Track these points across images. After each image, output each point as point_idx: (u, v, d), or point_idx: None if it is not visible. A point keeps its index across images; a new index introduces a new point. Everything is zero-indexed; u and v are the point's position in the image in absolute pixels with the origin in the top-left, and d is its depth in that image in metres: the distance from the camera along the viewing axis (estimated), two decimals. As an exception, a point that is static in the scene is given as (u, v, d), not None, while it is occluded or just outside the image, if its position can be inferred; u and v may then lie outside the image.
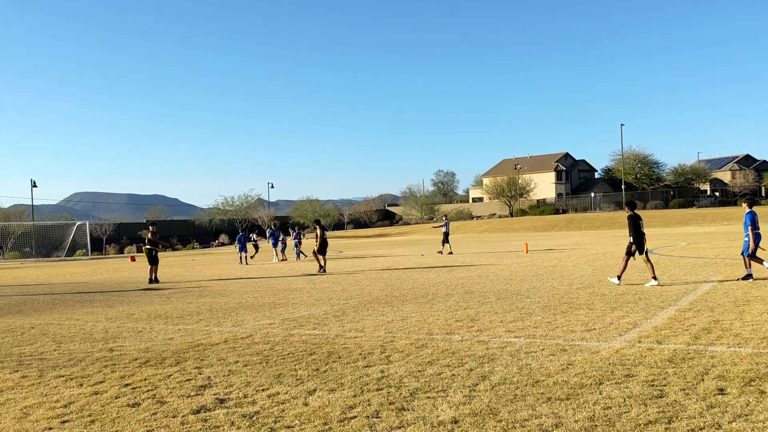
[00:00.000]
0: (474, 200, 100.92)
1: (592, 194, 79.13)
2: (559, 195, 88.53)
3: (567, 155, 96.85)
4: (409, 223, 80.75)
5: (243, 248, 25.86)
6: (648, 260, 12.58)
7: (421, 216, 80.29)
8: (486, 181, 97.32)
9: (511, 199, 77.36)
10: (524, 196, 78.90)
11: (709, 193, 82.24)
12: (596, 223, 55.70)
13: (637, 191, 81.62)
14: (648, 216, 55.10)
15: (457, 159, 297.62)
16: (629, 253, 12.54)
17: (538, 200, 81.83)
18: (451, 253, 26.32)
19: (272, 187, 71.22)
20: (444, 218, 29.63)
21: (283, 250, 27.75)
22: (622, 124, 73.57)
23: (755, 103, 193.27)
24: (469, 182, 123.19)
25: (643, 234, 12.48)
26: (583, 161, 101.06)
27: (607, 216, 60.17)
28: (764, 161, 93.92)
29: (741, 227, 13.84)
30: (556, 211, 71.73)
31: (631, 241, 12.41)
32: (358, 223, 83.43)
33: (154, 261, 17.71)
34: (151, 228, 18.97)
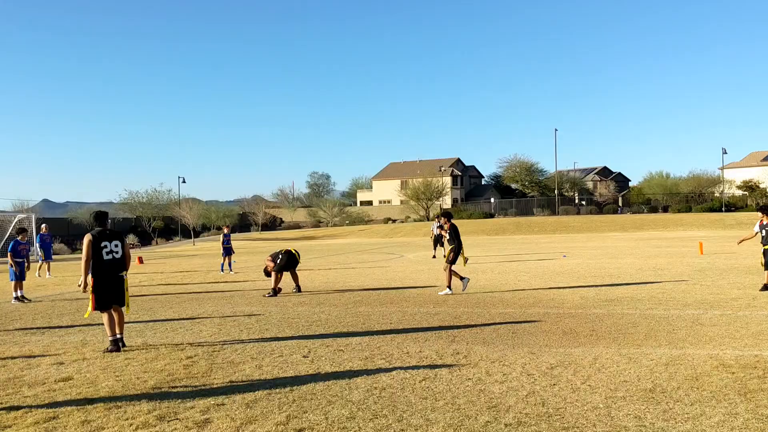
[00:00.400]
0: (362, 203, 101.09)
1: (492, 200, 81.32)
2: (454, 200, 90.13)
3: (458, 161, 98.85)
4: (319, 226, 79.31)
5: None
6: (452, 270, 13.70)
7: (331, 218, 78.94)
8: (388, 184, 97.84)
9: (428, 202, 77.53)
10: (439, 199, 79.40)
11: (577, 201, 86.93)
12: (548, 227, 56.08)
13: (526, 197, 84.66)
14: (578, 222, 57.59)
15: (323, 161, 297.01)
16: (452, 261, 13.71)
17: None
18: (445, 256, 25.33)
19: (184, 181, 67.48)
20: (437, 219, 28.30)
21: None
22: (556, 129, 75.46)
23: (611, 116, 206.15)
24: (346, 185, 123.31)
25: (461, 244, 13.91)
26: (473, 167, 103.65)
27: (554, 220, 61.06)
28: (619, 173, 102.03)
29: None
30: (487, 216, 72.13)
31: (453, 249, 13.74)
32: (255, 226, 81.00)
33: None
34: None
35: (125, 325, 9.41)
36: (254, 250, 42.44)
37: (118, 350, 8.55)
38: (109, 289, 8.67)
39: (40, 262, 23.38)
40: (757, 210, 14.06)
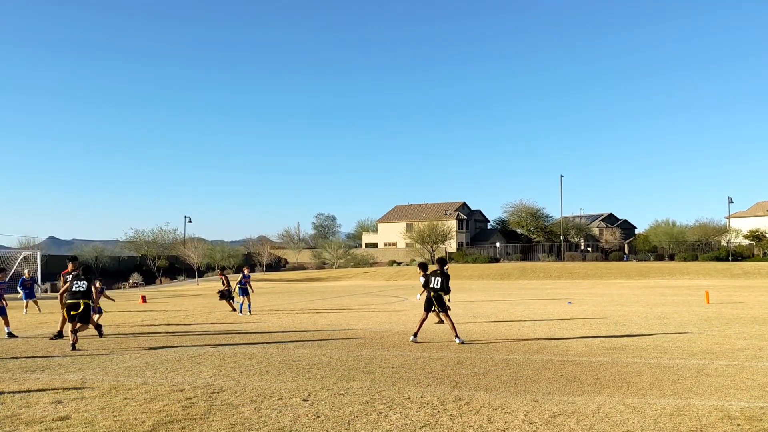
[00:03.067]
0: (367, 245, 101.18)
1: (498, 244, 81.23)
2: (460, 244, 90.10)
3: (464, 205, 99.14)
4: (324, 267, 79.14)
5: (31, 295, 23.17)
6: (425, 319, 13.41)
7: (336, 260, 78.80)
8: (393, 226, 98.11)
9: (433, 245, 77.38)
10: (445, 243, 79.28)
11: (582, 247, 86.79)
12: (553, 273, 55.71)
13: (531, 242, 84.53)
14: (583, 269, 57.23)
15: (329, 203, 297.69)
16: (426, 310, 13.24)
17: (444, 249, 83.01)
18: (449, 300, 25.11)
19: (190, 221, 67.63)
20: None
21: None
22: (561, 176, 75.51)
23: (617, 164, 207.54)
24: (351, 227, 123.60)
25: (434, 290, 13.20)
26: (479, 211, 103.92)
27: (559, 266, 60.71)
28: (625, 220, 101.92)
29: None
30: (492, 260, 71.71)
31: (448, 296, 13.27)
32: (259, 267, 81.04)
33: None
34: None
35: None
36: (259, 291, 42.33)
37: (60, 338, 14.44)
38: (72, 308, 13.32)
39: (25, 301, 23.87)
40: None
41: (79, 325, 13.22)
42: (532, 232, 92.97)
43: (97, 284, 16.53)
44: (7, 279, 16.40)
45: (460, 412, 7.18)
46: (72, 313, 13.24)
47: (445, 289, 13.29)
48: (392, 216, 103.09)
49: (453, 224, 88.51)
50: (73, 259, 16.12)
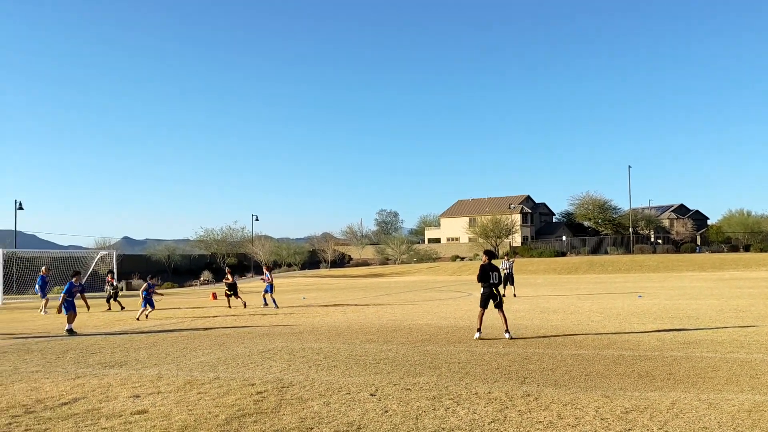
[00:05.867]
0: (430, 241, 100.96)
1: (564, 237, 79.94)
2: (524, 238, 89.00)
3: (528, 198, 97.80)
4: (387, 263, 79.47)
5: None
6: (482, 314, 13.23)
7: (399, 255, 79.07)
8: (456, 221, 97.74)
9: (497, 240, 76.80)
10: (509, 237, 78.57)
11: (652, 239, 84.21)
12: (622, 266, 54.40)
13: (599, 235, 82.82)
14: (654, 261, 55.61)
15: (391, 198, 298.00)
16: (483, 306, 13.16)
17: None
18: (515, 295, 25.20)
19: (257, 219, 69.31)
20: (506, 256, 27.89)
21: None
22: (629, 166, 73.73)
23: (687, 153, 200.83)
24: (414, 222, 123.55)
25: (491, 285, 13.11)
26: (543, 204, 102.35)
27: (629, 259, 59.44)
28: (697, 211, 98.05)
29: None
30: (558, 254, 70.55)
31: (482, 292, 13.10)
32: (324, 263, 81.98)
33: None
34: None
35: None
36: (323, 287, 42.87)
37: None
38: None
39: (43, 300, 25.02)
40: None
41: None
42: (600, 225, 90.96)
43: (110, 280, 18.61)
44: (82, 281, 17.34)
45: (528, 408, 7.11)
46: None
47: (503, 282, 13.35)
48: (455, 211, 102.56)
49: (517, 218, 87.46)
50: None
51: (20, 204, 50.74)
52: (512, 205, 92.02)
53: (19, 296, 37.42)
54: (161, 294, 23.15)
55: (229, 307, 24.25)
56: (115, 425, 6.73)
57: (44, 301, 24.72)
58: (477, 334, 13.21)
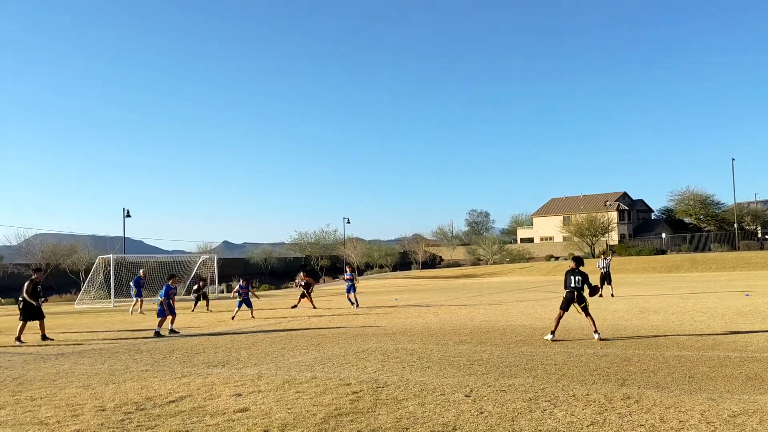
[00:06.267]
0: (522, 240, 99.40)
1: (663, 235, 77.04)
2: (621, 236, 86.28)
3: (625, 194, 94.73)
4: (478, 263, 78.92)
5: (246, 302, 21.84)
6: (561, 317, 12.97)
7: (491, 256, 78.41)
8: (549, 220, 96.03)
9: (593, 238, 74.96)
10: (605, 235, 76.51)
11: (759, 235, 79.55)
12: (727, 264, 52.06)
13: (701, 232, 79.26)
14: (761, 258, 52.73)
15: (481, 198, 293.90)
16: (563, 308, 12.88)
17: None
18: (613, 295, 24.70)
19: (348, 222, 70.73)
20: (603, 255, 27.58)
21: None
22: (732, 159, 70.70)
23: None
24: (505, 222, 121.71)
25: (574, 290, 12.85)
26: (641, 201, 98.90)
27: (734, 256, 56.80)
28: None
29: None
30: (657, 252, 68.13)
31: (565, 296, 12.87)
32: (415, 264, 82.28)
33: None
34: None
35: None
36: (415, 288, 43.00)
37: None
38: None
39: (135, 299, 26.14)
40: None
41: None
42: (702, 221, 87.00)
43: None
44: (178, 285, 18.12)
45: (629, 411, 6.91)
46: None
47: (588, 286, 13.08)
48: (548, 209, 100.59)
49: (613, 215, 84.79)
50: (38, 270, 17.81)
51: (128, 212, 53.54)
52: (608, 203, 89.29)
53: (129, 299, 39.43)
54: (257, 296, 24.03)
55: (314, 307, 24.74)
56: (219, 422, 7.02)
57: (138, 301, 26.04)
58: (549, 336, 12.92)
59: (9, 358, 13.22)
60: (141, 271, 27.80)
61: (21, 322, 16.61)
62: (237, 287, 22.34)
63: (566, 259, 72.13)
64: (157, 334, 16.78)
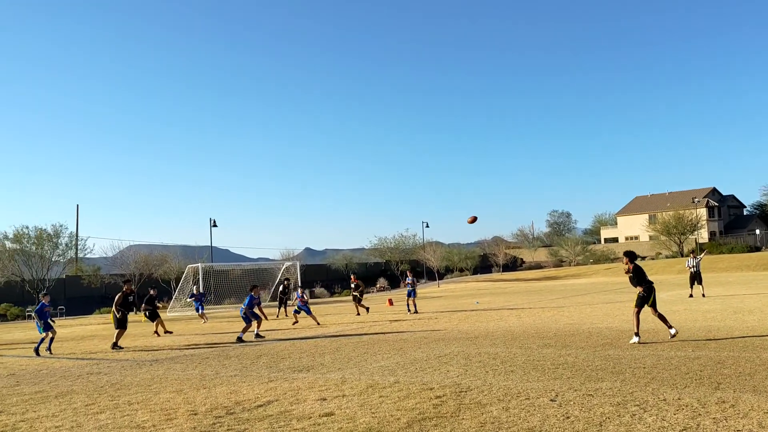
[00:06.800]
0: (606, 240, 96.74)
1: (757, 231, 73.50)
2: (711, 233, 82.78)
3: (714, 190, 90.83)
4: (561, 265, 77.44)
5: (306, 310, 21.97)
6: (638, 314, 12.55)
7: (574, 257, 76.81)
8: (634, 219, 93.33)
9: (681, 237, 72.38)
10: (694, 233, 73.74)
11: None
12: None
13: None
14: None
15: (562, 198, 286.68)
16: (640, 306, 12.50)
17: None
18: (704, 295, 24.00)
19: (427, 226, 70.87)
20: (692, 254, 26.86)
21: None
22: None
23: None
24: (588, 222, 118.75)
25: (651, 284, 12.51)
26: (732, 196, 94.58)
27: None
28: None
29: None
30: (751, 249, 64.88)
31: (642, 293, 12.42)
32: (496, 267, 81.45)
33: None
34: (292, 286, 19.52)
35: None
36: (496, 291, 42.57)
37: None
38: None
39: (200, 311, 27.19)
40: None
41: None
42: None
43: (151, 292, 21.97)
44: (262, 293, 18.93)
45: (724, 416, 6.64)
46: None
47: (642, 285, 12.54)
48: (632, 208, 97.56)
49: (702, 212, 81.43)
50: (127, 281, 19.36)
51: (214, 222, 55.23)
52: (696, 199, 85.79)
53: (217, 306, 40.75)
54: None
55: (358, 314, 25.15)
56: (305, 426, 7.17)
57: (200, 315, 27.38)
58: (635, 338, 12.43)
59: (108, 365, 13.91)
60: (196, 287, 30.04)
61: (117, 330, 17.52)
62: (296, 296, 23.17)
63: (653, 259, 69.82)
64: (240, 340, 17.32)
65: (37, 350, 16.79)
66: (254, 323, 17.96)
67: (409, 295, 24.63)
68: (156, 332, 20.96)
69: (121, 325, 17.65)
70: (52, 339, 16.91)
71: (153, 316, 21.24)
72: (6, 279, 45.32)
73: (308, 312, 21.66)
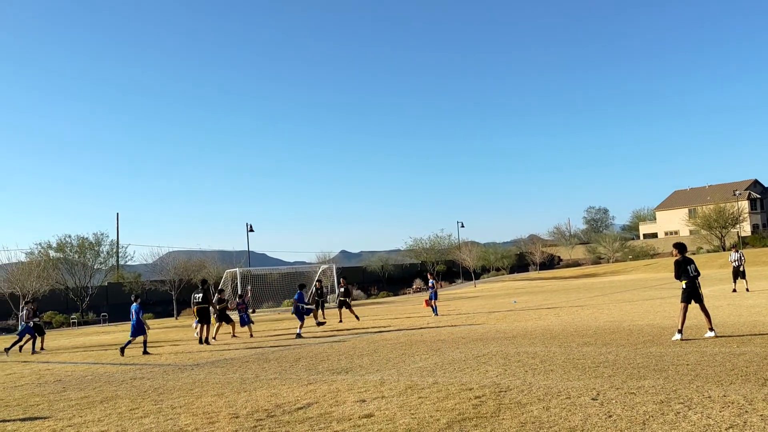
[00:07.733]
0: (645, 236, 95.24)
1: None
2: (754, 226, 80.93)
3: (756, 182, 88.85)
4: (599, 262, 76.45)
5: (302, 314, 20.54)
6: (686, 311, 12.26)
7: (612, 254, 75.79)
8: (674, 213, 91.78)
9: (722, 230, 70.98)
10: (736, 226, 72.26)
11: None
12: None
13: None
14: None
15: (599, 195, 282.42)
16: (686, 300, 12.23)
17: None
18: (747, 290, 23.54)
19: (462, 226, 70.64)
20: (734, 248, 26.04)
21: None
22: None
23: None
24: (625, 218, 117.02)
25: (695, 278, 12.24)
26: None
27: None
28: None
29: None
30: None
31: (685, 286, 12.25)
32: (533, 266, 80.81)
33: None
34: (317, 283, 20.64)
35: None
36: (533, 290, 42.21)
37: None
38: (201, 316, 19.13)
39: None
40: None
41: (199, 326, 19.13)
42: None
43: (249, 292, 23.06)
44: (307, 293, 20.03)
45: (772, 413, 6.48)
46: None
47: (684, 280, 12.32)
48: (671, 202, 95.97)
49: (744, 205, 79.65)
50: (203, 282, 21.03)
51: (251, 227, 55.74)
52: (737, 192, 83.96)
53: (257, 311, 41.15)
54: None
55: (340, 320, 25.04)
56: (345, 428, 7.20)
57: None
58: (678, 336, 12.19)
59: (150, 370, 14.15)
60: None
61: (216, 324, 20.55)
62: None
63: (695, 254, 68.44)
64: (299, 336, 19.05)
65: (122, 350, 18.14)
66: (305, 320, 19.26)
67: (431, 298, 24.57)
68: (233, 334, 21.43)
69: (223, 319, 20.47)
70: (145, 341, 18.01)
71: (222, 318, 20.95)
72: (50, 287, 46.43)
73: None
